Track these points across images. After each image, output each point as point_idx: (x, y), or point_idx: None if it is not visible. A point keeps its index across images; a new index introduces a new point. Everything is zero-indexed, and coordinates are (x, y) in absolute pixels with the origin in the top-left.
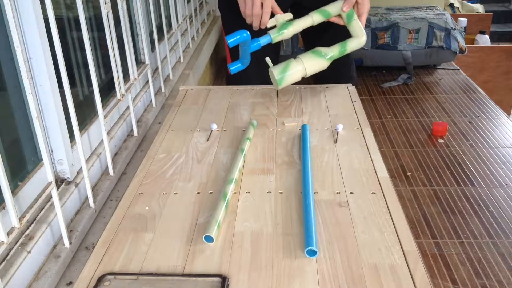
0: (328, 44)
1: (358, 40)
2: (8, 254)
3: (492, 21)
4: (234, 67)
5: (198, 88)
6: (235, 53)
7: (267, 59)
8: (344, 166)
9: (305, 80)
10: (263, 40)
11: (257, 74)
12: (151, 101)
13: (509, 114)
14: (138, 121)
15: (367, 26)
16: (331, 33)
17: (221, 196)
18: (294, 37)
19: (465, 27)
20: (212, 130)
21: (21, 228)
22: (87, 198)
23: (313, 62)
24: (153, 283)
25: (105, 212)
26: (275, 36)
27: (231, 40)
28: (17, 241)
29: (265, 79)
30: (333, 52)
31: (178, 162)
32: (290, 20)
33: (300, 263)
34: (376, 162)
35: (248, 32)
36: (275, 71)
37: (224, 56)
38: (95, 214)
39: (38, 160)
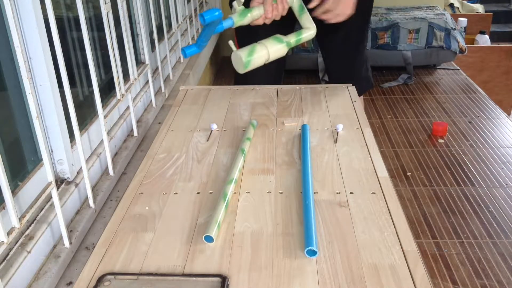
0: (339, 45)
1: (310, 31)
2: (8, 254)
3: (492, 21)
4: (190, 50)
5: (198, 88)
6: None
7: (230, 42)
8: (344, 166)
9: (305, 81)
10: (225, 24)
11: (266, 73)
12: (151, 101)
13: (509, 114)
14: (138, 121)
15: None
16: (342, 35)
17: (221, 196)
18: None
19: (465, 27)
20: (212, 130)
21: (21, 228)
22: (87, 198)
23: (276, 47)
24: (153, 283)
25: (105, 212)
26: (237, 20)
27: (208, 16)
28: (17, 241)
29: (274, 79)
30: (291, 39)
31: (178, 162)
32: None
33: (300, 263)
34: (376, 162)
35: (221, 11)
36: (242, 54)
37: (224, 56)
38: (95, 214)
39: (38, 160)
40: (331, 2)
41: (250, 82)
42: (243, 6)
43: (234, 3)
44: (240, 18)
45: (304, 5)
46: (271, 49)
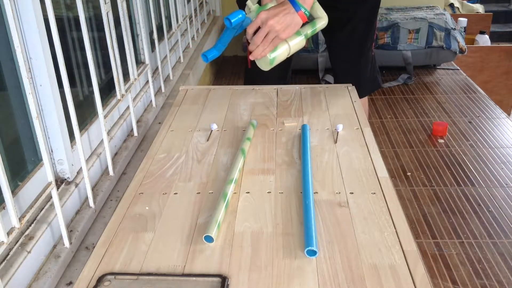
0: (343, 46)
1: (322, 21)
2: (8, 254)
3: (492, 21)
4: (211, 55)
5: (198, 88)
6: None
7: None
8: (344, 166)
9: (305, 81)
10: (245, 24)
11: (276, 72)
12: (151, 101)
13: (509, 114)
14: (138, 121)
15: None
16: (346, 36)
17: (221, 196)
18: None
19: (465, 27)
20: (212, 130)
21: (21, 228)
22: (87, 198)
23: (295, 40)
24: (153, 283)
25: (105, 212)
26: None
27: (234, 19)
28: (17, 241)
29: (283, 78)
30: (307, 30)
31: (178, 162)
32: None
33: (300, 263)
34: (376, 162)
35: (244, 13)
36: None
37: (224, 56)
38: (95, 214)
39: (38, 160)
40: None
41: (259, 78)
42: (257, 5)
43: (248, 2)
44: None
45: None
46: (292, 43)
